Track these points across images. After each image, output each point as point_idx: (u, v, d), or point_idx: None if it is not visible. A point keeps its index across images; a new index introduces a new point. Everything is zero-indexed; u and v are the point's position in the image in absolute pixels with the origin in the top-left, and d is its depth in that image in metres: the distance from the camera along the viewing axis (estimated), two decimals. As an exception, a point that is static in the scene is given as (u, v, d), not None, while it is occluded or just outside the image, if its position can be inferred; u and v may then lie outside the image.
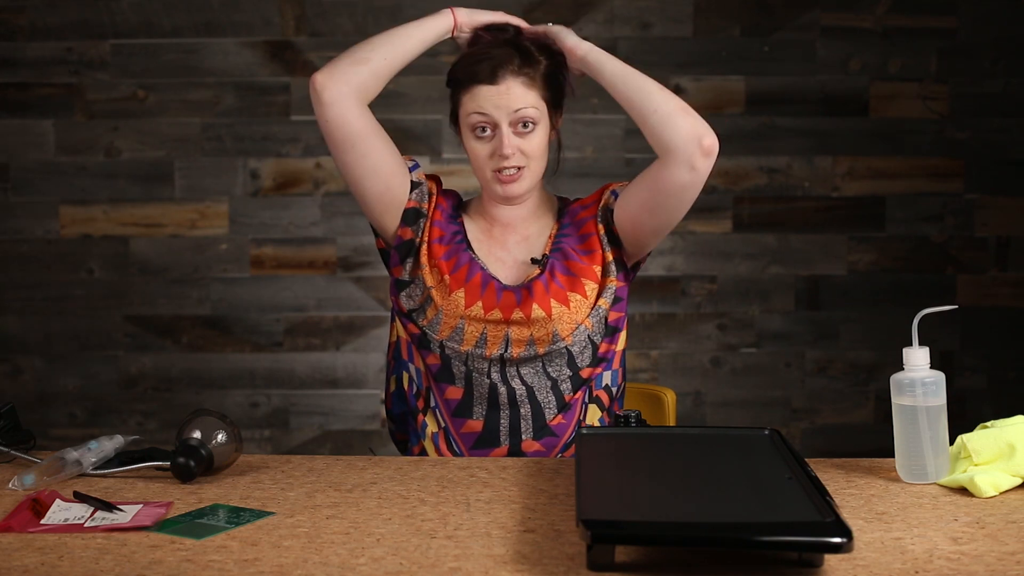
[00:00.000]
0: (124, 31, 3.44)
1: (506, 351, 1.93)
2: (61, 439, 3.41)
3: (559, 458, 1.86)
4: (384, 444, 3.41)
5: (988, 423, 1.67)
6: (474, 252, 1.99)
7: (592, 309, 1.95)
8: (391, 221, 1.97)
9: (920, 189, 3.50)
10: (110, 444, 1.69)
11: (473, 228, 2.02)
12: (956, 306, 1.79)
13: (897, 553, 1.33)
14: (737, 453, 1.59)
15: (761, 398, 3.53)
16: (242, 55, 3.46)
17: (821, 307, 3.52)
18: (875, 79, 3.47)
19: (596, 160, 3.48)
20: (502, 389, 1.94)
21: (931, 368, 1.60)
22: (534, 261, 1.97)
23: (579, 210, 2.02)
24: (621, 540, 1.28)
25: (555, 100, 1.97)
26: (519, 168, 1.93)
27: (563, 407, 1.96)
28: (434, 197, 2.01)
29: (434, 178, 2.04)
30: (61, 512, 1.48)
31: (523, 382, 1.94)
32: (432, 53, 2.07)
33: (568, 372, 1.95)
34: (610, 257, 1.97)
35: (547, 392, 1.95)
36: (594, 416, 1.99)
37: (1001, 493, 1.55)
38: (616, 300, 1.97)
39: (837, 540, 1.23)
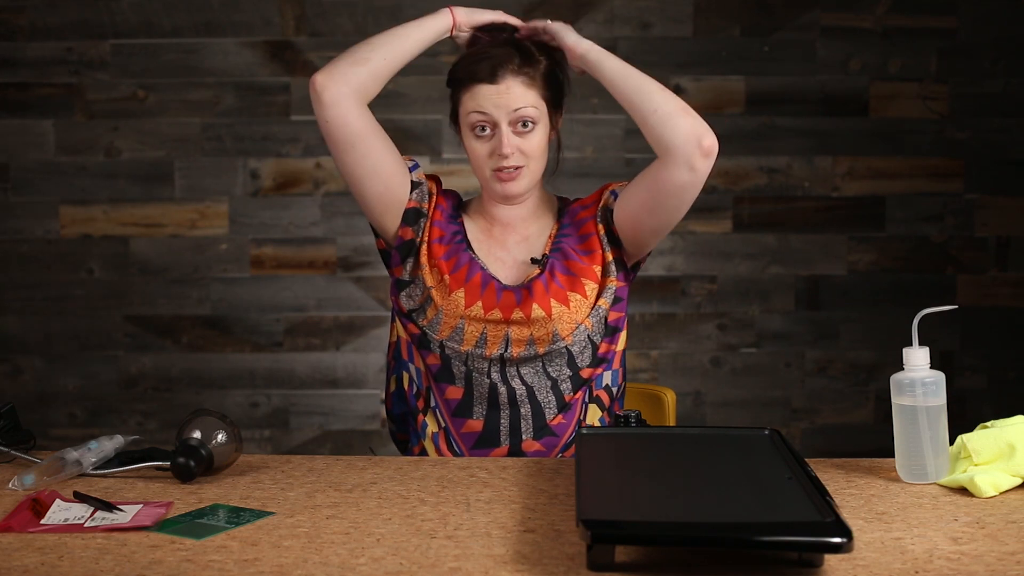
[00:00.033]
0: (124, 31, 3.44)
1: (506, 351, 1.93)
2: (61, 439, 3.41)
3: (559, 458, 1.86)
4: (384, 444, 3.41)
5: (988, 423, 1.67)
6: (474, 252, 1.99)
7: (592, 309, 1.94)
8: (391, 221, 1.97)
9: (920, 189, 3.50)
10: (110, 444, 1.69)
11: (473, 228, 2.02)
12: (956, 306, 1.79)
13: (897, 553, 1.33)
14: (737, 453, 1.59)
15: (761, 398, 3.53)
16: (242, 55, 3.46)
17: (821, 307, 3.52)
18: (875, 79, 3.47)
19: (596, 160, 3.48)
20: (502, 389, 1.94)
21: (931, 368, 1.60)
22: (534, 261, 1.97)
23: (579, 210, 2.02)
24: (621, 540, 1.28)
25: (555, 100, 1.97)
26: (518, 167, 1.93)
27: (563, 407, 1.96)
28: (434, 197, 2.01)
29: (434, 178, 2.04)
30: (61, 512, 1.48)
31: (523, 382, 1.94)
32: (432, 53, 2.08)
33: (568, 372, 1.95)
34: (610, 257, 1.96)
35: (547, 392, 1.95)
36: (594, 416, 1.98)
37: (1001, 493, 1.55)
38: (616, 300, 1.97)
39: (837, 540, 1.24)
